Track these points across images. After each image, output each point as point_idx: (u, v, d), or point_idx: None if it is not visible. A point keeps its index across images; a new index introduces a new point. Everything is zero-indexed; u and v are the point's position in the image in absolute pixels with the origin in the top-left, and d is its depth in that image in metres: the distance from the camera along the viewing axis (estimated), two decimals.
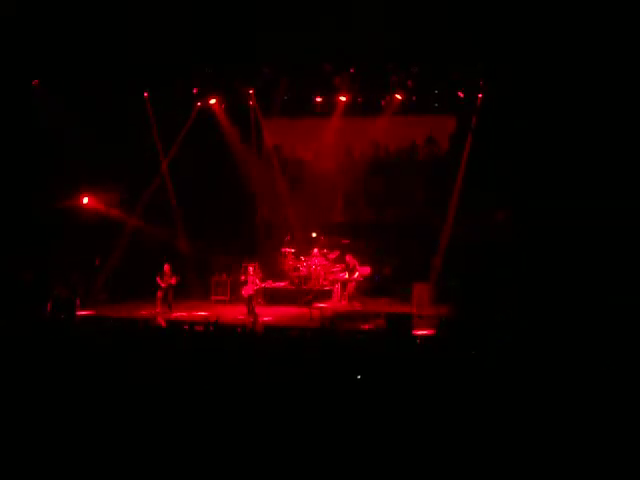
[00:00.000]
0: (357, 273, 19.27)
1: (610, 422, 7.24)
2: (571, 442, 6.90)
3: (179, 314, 18.53)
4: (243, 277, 19.11)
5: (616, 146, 17.13)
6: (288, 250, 21.17)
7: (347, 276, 19.38)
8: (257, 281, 19.06)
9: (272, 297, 20.43)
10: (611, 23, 16.08)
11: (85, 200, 20.84)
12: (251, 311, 18.08)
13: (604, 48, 16.47)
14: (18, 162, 19.47)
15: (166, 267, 19.12)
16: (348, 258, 19.41)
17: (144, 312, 18.77)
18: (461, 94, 19.75)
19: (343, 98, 20.72)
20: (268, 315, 18.19)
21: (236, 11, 17.53)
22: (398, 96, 20.18)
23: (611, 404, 7.54)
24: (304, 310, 18.41)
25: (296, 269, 20.72)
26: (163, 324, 15.54)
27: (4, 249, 19.19)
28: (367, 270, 19.76)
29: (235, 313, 18.52)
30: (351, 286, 19.31)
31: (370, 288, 20.09)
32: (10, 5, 17.36)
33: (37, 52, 18.47)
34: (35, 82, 19.90)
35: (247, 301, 18.57)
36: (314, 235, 21.64)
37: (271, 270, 21.29)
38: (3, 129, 19.18)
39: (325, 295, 19.81)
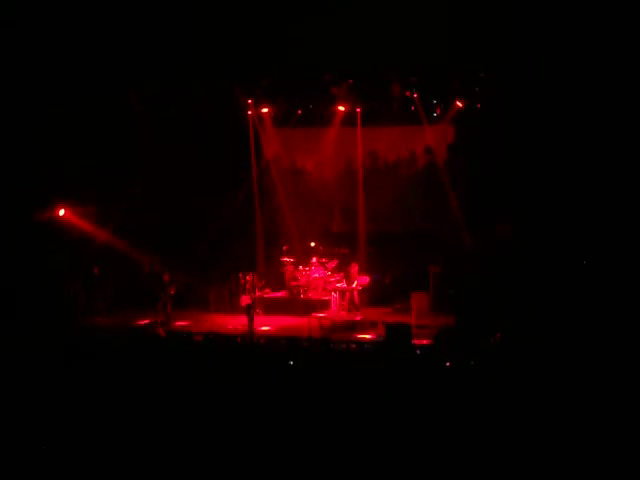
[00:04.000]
0: (356, 282, 19.22)
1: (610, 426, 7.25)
2: (574, 456, 6.92)
3: (179, 324, 18.50)
4: (241, 286, 19.06)
5: (621, 158, 17.10)
6: (287, 259, 21.14)
7: (345, 285, 19.33)
8: (255, 290, 19.03)
9: (271, 307, 20.37)
10: (614, 34, 16.10)
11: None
12: (250, 321, 18.04)
13: (607, 58, 16.49)
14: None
15: (165, 277, 19.10)
16: (352, 266, 19.35)
17: (143, 322, 18.73)
18: (460, 104, 19.84)
19: (342, 108, 20.79)
20: (267, 325, 18.15)
21: (237, 22, 17.56)
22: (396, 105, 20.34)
23: (611, 413, 7.54)
24: (303, 320, 18.37)
25: (295, 278, 20.70)
26: (162, 334, 15.52)
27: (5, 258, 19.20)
28: (366, 280, 19.73)
29: (234, 323, 18.49)
30: (355, 295, 19.21)
31: (369, 297, 20.04)
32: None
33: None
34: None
35: (246, 311, 18.53)
36: (313, 245, 21.62)
37: (270, 280, 21.26)
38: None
39: (324, 305, 19.76)
